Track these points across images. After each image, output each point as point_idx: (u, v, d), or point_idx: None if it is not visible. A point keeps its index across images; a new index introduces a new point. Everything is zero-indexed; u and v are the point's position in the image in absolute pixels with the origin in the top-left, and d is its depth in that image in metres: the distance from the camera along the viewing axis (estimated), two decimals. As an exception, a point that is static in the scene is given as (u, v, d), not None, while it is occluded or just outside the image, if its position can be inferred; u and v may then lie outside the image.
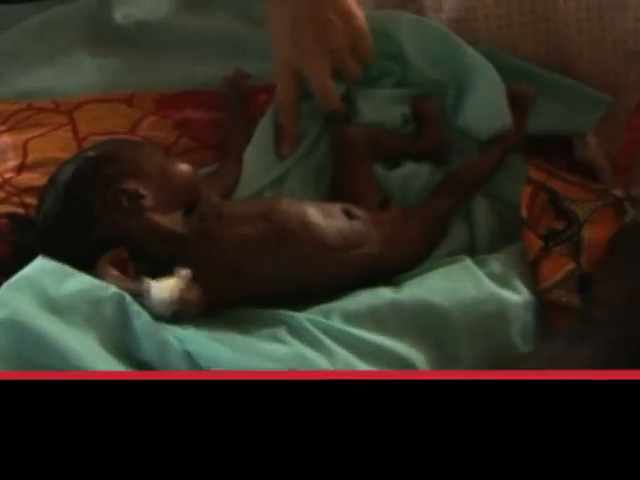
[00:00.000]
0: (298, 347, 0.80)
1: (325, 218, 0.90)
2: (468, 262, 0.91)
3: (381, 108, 1.05)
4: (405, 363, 0.81)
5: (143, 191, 0.88)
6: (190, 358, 0.77)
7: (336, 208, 0.92)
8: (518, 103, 1.05)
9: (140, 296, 0.81)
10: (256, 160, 1.01)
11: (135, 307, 0.79)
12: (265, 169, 1.01)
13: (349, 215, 0.92)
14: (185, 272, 0.82)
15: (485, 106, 1.04)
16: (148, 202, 0.88)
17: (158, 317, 0.81)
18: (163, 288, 0.81)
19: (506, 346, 0.86)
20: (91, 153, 0.91)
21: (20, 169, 0.99)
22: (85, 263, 0.84)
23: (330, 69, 1.02)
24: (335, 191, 1.00)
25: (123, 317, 0.79)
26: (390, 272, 0.91)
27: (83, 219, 0.87)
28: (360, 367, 0.80)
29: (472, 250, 0.97)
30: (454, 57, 1.07)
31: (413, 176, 1.01)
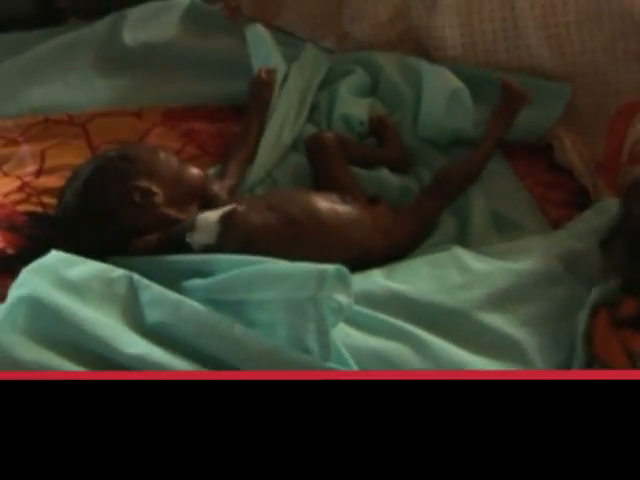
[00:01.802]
0: None
1: (324, 201, 0.98)
2: (456, 250, 0.97)
3: (348, 105, 1.16)
4: (402, 331, 0.86)
5: (155, 189, 0.95)
6: (203, 309, 0.82)
7: (333, 195, 1.00)
8: (511, 99, 1.13)
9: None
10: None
11: (144, 282, 0.86)
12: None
13: (345, 201, 1.00)
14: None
15: (430, 112, 1.14)
16: (159, 199, 0.95)
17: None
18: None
19: (494, 328, 0.89)
20: (111, 153, 0.99)
21: (38, 173, 1.07)
22: (99, 253, 0.91)
23: None
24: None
25: (134, 292, 0.85)
26: (377, 261, 0.97)
27: (100, 212, 0.94)
28: (356, 337, 0.85)
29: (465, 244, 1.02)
30: (419, 75, 1.18)
31: (389, 178, 1.09)
